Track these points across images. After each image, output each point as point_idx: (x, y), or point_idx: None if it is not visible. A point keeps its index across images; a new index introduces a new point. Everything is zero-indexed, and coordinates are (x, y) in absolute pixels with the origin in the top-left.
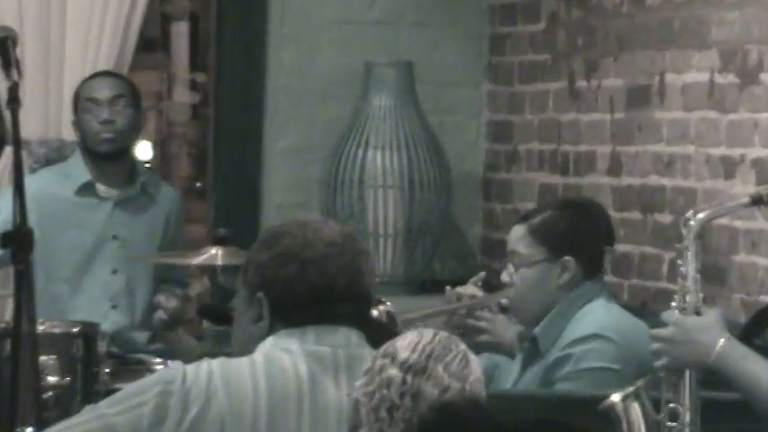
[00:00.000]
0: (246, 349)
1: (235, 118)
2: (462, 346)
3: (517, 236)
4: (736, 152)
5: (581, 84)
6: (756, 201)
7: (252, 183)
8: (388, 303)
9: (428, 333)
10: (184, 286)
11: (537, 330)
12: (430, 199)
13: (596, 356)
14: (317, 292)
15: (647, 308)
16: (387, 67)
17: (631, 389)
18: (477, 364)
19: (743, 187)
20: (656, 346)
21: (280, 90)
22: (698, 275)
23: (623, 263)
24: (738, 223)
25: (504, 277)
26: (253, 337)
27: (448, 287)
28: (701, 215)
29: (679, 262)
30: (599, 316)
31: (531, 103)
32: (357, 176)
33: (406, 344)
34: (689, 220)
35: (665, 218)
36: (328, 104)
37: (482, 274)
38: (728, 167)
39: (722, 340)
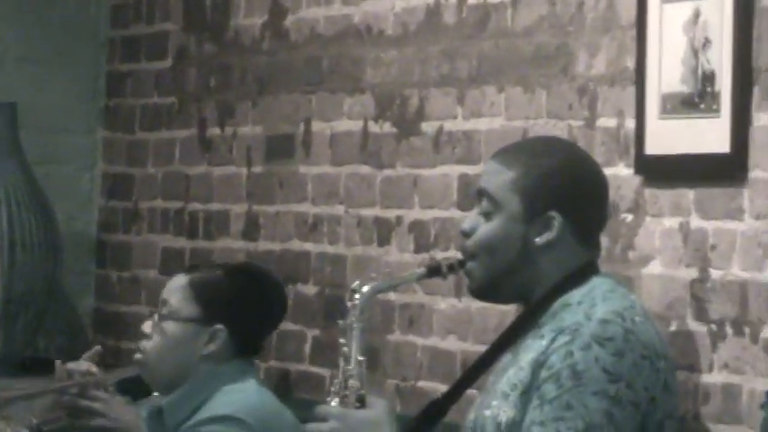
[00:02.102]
0: None
1: None
2: None
3: (176, 285)
4: (392, 214)
5: (213, 132)
6: (434, 272)
7: None
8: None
9: None
10: None
11: (164, 403)
12: (33, 264)
13: None
14: None
15: (288, 395)
16: None
17: None
18: None
19: (399, 255)
20: None
21: None
22: (362, 358)
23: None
24: (393, 296)
25: (146, 328)
26: None
27: (58, 362)
28: (369, 286)
29: (341, 341)
30: (241, 397)
31: (154, 154)
32: None
33: None
34: (355, 291)
35: (309, 289)
36: None
37: (98, 348)
38: (383, 231)
39: None
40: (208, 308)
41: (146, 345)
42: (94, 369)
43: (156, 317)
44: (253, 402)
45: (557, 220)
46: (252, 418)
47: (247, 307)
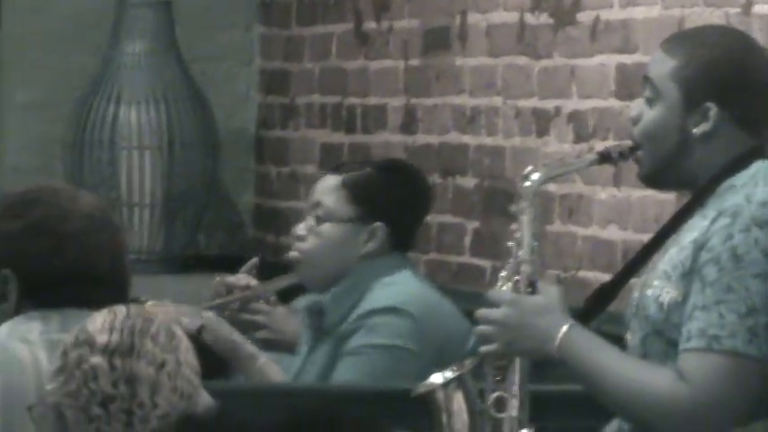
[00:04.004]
0: None
1: None
2: (160, 317)
3: (328, 186)
4: (550, 104)
5: (369, 25)
6: (605, 158)
7: None
8: (150, 303)
9: (121, 309)
10: None
11: (325, 300)
12: (193, 162)
13: (390, 332)
14: (77, 270)
15: (448, 287)
16: (142, 6)
17: (454, 374)
18: (180, 331)
19: (558, 145)
20: (484, 328)
21: (14, 35)
22: (535, 244)
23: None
24: (553, 187)
25: (300, 230)
26: None
27: (218, 278)
28: (540, 172)
29: (513, 227)
30: (402, 288)
31: (310, 49)
32: (107, 136)
33: (100, 326)
34: (527, 177)
35: (468, 182)
36: (73, 52)
37: (254, 260)
38: (541, 122)
39: (565, 326)
40: (365, 207)
41: (301, 246)
42: (254, 282)
43: (311, 220)
44: (413, 292)
45: (713, 110)
46: (414, 308)
47: (402, 202)
